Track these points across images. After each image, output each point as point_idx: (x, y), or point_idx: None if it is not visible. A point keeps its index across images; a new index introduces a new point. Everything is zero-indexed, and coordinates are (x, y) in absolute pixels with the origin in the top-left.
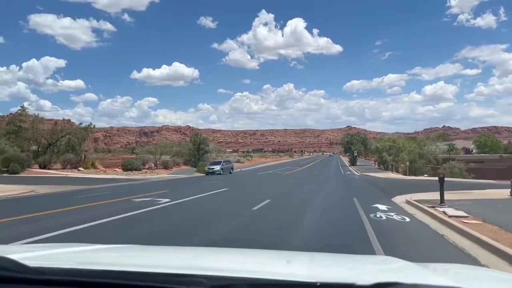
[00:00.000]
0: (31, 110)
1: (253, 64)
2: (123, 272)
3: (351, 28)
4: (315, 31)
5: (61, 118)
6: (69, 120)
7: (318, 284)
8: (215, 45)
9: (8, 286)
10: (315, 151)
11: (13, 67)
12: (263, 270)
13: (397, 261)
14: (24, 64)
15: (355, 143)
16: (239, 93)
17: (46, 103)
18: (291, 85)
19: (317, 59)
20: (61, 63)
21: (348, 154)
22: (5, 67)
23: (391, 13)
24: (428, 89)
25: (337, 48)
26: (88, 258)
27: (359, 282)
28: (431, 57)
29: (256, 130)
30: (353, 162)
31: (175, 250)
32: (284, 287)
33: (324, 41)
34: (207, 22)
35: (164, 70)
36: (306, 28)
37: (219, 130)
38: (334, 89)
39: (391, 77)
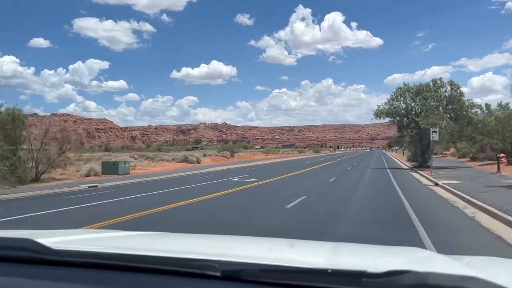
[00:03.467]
0: (77, 111)
1: (291, 60)
2: (140, 256)
3: (391, 20)
4: (354, 24)
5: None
6: None
7: (329, 271)
8: (252, 42)
9: (32, 266)
10: (353, 145)
11: (60, 70)
12: (277, 257)
13: (424, 252)
14: (70, 67)
15: (428, 113)
16: (277, 90)
17: (92, 104)
18: (330, 80)
19: (357, 53)
20: (105, 64)
21: (401, 145)
22: (53, 70)
23: (433, 2)
24: (475, 81)
25: (377, 41)
26: (109, 243)
27: (371, 269)
28: (478, 47)
29: (293, 127)
30: (422, 161)
31: (194, 237)
32: (295, 273)
33: (363, 34)
34: (244, 19)
35: (203, 68)
36: (344, 21)
37: (256, 127)
38: (375, 83)
39: (434, 69)
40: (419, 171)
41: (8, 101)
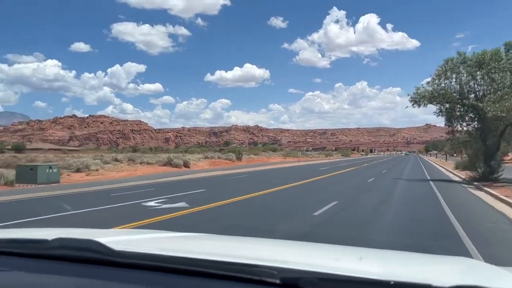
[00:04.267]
0: (115, 113)
1: (324, 63)
2: (199, 260)
3: (429, 21)
4: (389, 26)
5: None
6: None
7: (392, 283)
8: (286, 45)
9: (95, 267)
10: (387, 149)
11: (99, 73)
12: (334, 265)
13: (475, 262)
14: (109, 70)
15: (499, 94)
16: (310, 93)
17: (128, 106)
18: (364, 83)
19: (392, 55)
20: (141, 68)
21: (441, 149)
22: (92, 74)
23: (473, 3)
24: None
25: (414, 43)
26: (168, 245)
27: (436, 283)
28: None
29: (326, 129)
30: (487, 172)
31: (248, 241)
32: (355, 283)
33: (399, 36)
34: (278, 22)
35: (236, 71)
36: (380, 23)
37: (288, 130)
38: (411, 86)
39: None
40: (487, 188)
41: (51, 104)
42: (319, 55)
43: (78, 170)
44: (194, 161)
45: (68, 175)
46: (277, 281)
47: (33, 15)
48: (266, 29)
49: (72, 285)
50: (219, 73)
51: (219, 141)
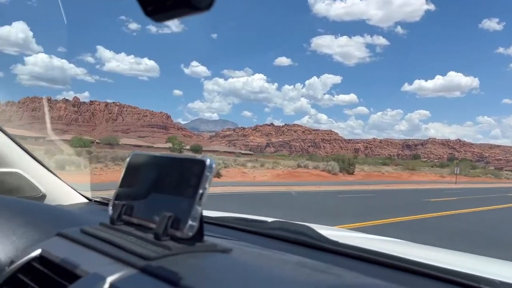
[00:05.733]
0: (310, 123)
1: None
2: (417, 262)
3: None
4: None
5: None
6: None
7: None
8: (501, 49)
9: (309, 249)
10: None
11: (298, 85)
12: None
13: None
14: (306, 82)
15: None
16: None
17: (323, 117)
18: None
19: None
20: (337, 79)
21: None
22: (292, 86)
23: None
24: None
25: None
26: (374, 243)
27: None
28: None
29: None
30: None
31: (459, 254)
32: None
33: None
34: (492, 24)
35: (438, 80)
36: None
37: (498, 146)
38: None
39: None
40: None
41: (255, 113)
42: None
43: None
44: (260, 169)
45: None
46: None
47: (240, 36)
48: (476, 33)
49: (291, 260)
50: (418, 83)
51: (412, 154)
